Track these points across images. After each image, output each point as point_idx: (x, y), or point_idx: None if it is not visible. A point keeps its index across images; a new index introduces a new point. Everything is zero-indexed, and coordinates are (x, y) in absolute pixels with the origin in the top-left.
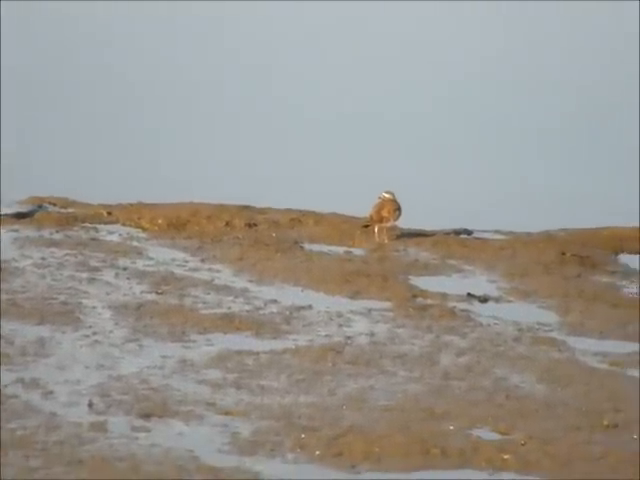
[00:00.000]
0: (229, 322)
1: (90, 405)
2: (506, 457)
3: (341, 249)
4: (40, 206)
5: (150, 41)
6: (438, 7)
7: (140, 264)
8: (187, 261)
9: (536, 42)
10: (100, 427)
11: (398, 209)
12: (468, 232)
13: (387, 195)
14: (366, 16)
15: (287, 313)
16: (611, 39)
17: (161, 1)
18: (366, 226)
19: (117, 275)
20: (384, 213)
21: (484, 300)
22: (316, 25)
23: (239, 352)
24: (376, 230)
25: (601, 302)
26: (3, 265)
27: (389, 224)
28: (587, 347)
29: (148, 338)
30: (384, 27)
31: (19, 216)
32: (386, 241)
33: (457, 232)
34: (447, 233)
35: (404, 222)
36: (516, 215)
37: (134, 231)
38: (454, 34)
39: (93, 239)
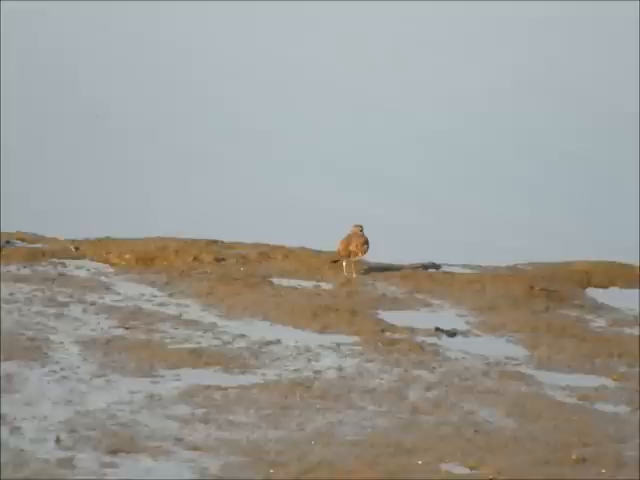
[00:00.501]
0: (197, 357)
1: (57, 441)
2: None
3: (310, 283)
4: (7, 242)
5: (120, 75)
6: (413, 27)
7: (108, 299)
8: (155, 296)
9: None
10: (68, 463)
11: (366, 243)
12: (436, 266)
13: (355, 228)
14: (332, 53)
15: (256, 348)
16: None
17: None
18: (335, 261)
19: (85, 310)
20: (352, 247)
21: (452, 334)
22: (279, 64)
23: (207, 387)
24: (344, 264)
25: (569, 336)
26: None
27: (357, 258)
28: (555, 381)
29: (116, 373)
30: (348, 62)
31: None
32: (354, 275)
33: (425, 266)
34: (415, 267)
35: (372, 256)
36: (484, 249)
37: (102, 266)
38: (421, 72)
39: (61, 274)
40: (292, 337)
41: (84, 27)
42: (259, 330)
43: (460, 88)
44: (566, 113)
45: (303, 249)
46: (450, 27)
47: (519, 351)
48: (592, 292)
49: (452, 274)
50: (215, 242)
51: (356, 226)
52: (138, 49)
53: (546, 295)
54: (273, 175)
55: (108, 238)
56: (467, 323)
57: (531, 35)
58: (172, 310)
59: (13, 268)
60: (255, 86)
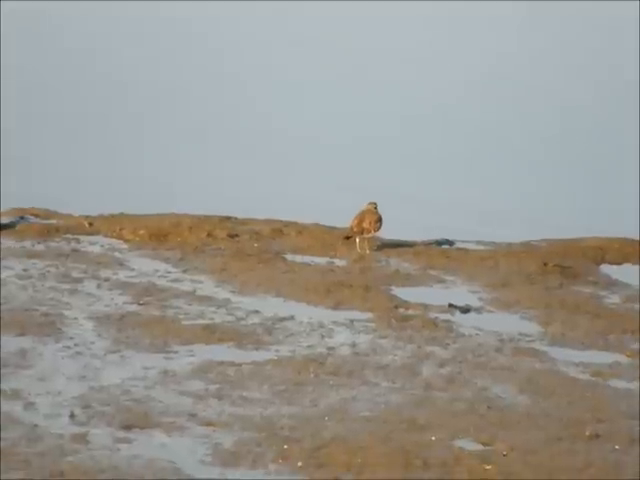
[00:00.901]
0: (211, 333)
1: (72, 416)
2: (488, 468)
3: (323, 260)
4: (22, 217)
5: (134, 54)
6: (425, 18)
7: (122, 275)
8: (169, 272)
9: (521, 65)
10: (82, 439)
11: (379, 220)
12: (450, 243)
13: (369, 206)
14: (353, 32)
15: (269, 324)
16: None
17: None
18: (347, 237)
19: (99, 286)
20: (365, 224)
21: (466, 311)
22: (298, 44)
23: (221, 363)
24: (357, 241)
25: (583, 312)
26: None
27: (370, 235)
28: (569, 357)
29: (130, 349)
30: (369, 42)
31: (0, 227)
32: (367, 252)
33: (439, 242)
34: (428, 244)
35: (386, 233)
36: (497, 226)
37: (116, 242)
38: (437, 52)
39: (75, 250)
40: (305, 313)
41: (84, 27)
42: (272, 306)
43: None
44: (569, 88)
45: (317, 225)
46: (450, 27)
47: (533, 327)
48: (606, 268)
49: (465, 250)
50: (229, 218)
51: (370, 203)
52: (138, 49)
53: (560, 271)
54: (287, 151)
55: (122, 214)
56: (480, 299)
57: (531, 35)
58: (186, 286)
59: (27, 244)
60: (271, 71)
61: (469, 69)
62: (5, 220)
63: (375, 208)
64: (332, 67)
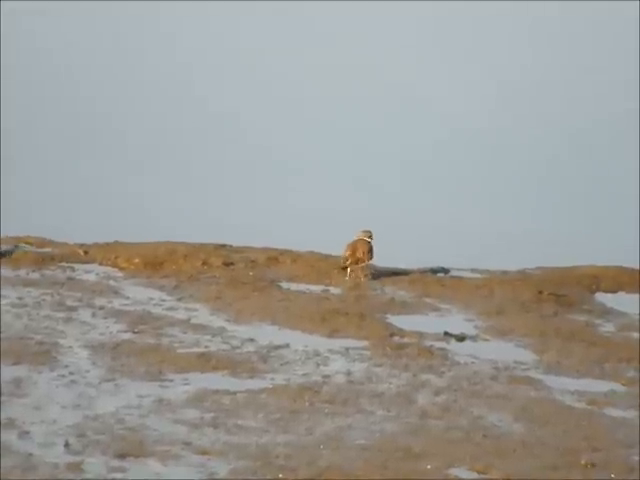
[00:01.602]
0: (206, 361)
1: (66, 445)
2: None
3: (318, 288)
4: (16, 246)
5: (127, 79)
6: (418, 42)
7: (117, 303)
8: (164, 300)
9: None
10: (76, 468)
11: (370, 250)
12: (445, 271)
13: (363, 234)
14: (343, 56)
15: (264, 352)
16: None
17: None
18: (344, 268)
19: (94, 314)
20: (359, 254)
21: (461, 339)
22: (285, 73)
23: (216, 391)
24: (348, 271)
25: (578, 341)
26: None
27: (363, 264)
28: (564, 386)
29: (125, 377)
30: (364, 67)
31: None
32: (362, 279)
33: (434, 270)
34: (424, 272)
35: (380, 260)
36: (492, 254)
37: (111, 270)
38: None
39: (70, 278)
40: (301, 341)
41: (84, 27)
42: (268, 334)
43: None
44: (564, 115)
45: (312, 253)
46: (449, 27)
47: (528, 355)
48: (601, 297)
49: (460, 279)
50: (224, 246)
51: (364, 232)
52: (138, 49)
53: (555, 300)
54: (279, 179)
55: (117, 242)
56: (476, 327)
57: (531, 35)
58: (181, 314)
59: (22, 272)
60: (264, 100)
61: (471, 80)
62: (4, 247)
63: (370, 237)
64: (325, 83)
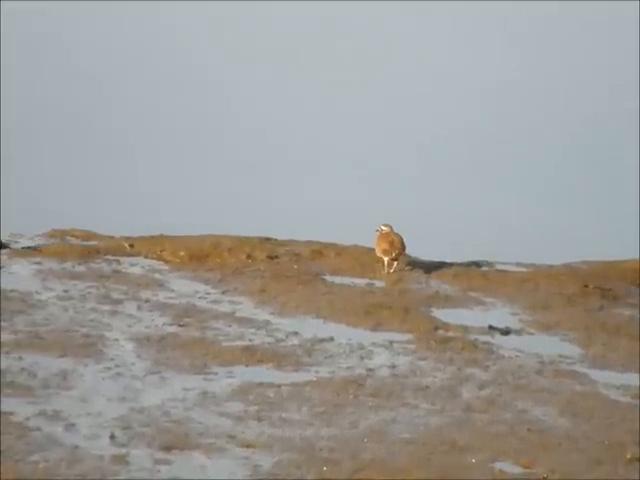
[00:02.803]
0: (251, 354)
1: (112, 438)
2: None
3: (362, 281)
4: (36, 246)
5: (120, 75)
6: (431, 31)
7: (162, 296)
8: (209, 293)
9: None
10: (122, 460)
11: (403, 242)
12: (489, 264)
13: (386, 228)
14: (366, 47)
15: (308, 345)
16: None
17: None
18: (395, 259)
19: (139, 307)
20: (398, 246)
21: (506, 332)
22: (319, 58)
23: (260, 384)
24: (386, 263)
25: (623, 335)
26: (26, 297)
27: (403, 257)
28: (609, 380)
29: (170, 370)
30: (387, 54)
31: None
32: (405, 272)
33: (478, 264)
34: (468, 265)
35: (425, 254)
36: (537, 247)
37: (156, 263)
38: (448, 67)
39: (115, 271)
40: (345, 334)
41: (84, 27)
42: (312, 327)
43: (466, 87)
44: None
45: (356, 247)
46: (449, 27)
47: (573, 350)
48: None
49: (505, 272)
50: (268, 240)
51: (386, 225)
52: (138, 49)
53: (600, 293)
54: (327, 173)
55: (162, 236)
56: (520, 321)
57: (530, 35)
58: (225, 307)
59: (68, 265)
60: (302, 89)
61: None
62: (29, 243)
63: (391, 229)
64: (353, 76)
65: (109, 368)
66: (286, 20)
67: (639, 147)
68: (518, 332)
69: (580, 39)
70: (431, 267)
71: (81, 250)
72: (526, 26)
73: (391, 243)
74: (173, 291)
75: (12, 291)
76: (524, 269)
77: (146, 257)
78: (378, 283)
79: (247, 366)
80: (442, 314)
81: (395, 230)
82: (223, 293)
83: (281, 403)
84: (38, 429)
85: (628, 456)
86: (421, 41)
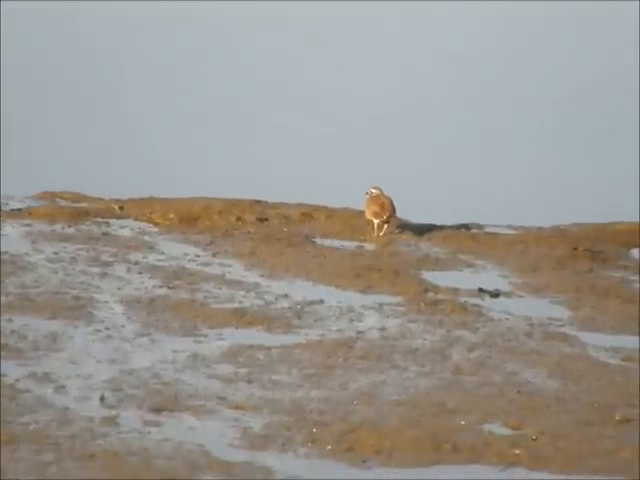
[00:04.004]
0: (240, 317)
1: (102, 399)
2: (517, 452)
3: (352, 244)
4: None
5: (160, 43)
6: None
7: (152, 259)
8: (199, 256)
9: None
10: (112, 421)
11: (393, 205)
12: (479, 227)
13: (376, 190)
14: (367, 21)
15: (298, 308)
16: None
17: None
18: (386, 221)
19: (129, 270)
20: (389, 209)
21: (495, 295)
22: (320, 27)
23: (250, 347)
24: (376, 226)
25: (613, 297)
26: (16, 259)
27: (393, 219)
28: (599, 342)
29: (160, 332)
30: (383, 29)
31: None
32: (396, 234)
33: (468, 227)
34: (458, 228)
35: (415, 217)
36: (527, 210)
37: (146, 226)
38: (447, 33)
39: (105, 234)
40: (335, 297)
41: (84, 27)
42: (302, 290)
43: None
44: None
45: (346, 209)
46: (449, 27)
47: (562, 312)
48: (637, 253)
49: (495, 235)
50: (258, 202)
51: (376, 188)
52: (139, 49)
53: (590, 256)
54: (316, 135)
55: (152, 198)
56: (510, 284)
57: (530, 35)
58: (215, 270)
59: (58, 227)
60: (297, 55)
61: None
62: (19, 205)
63: (381, 192)
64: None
65: (99, 330)
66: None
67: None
68: (508, 294)
69: (579, 39)
70: (421, 230)
71: (71, 212)
72: (525, 26)
73: (382, 205)
74: (163, 254)
75: (2, 253)
76: (514, 231)
77: (136, 219)
78: (368, 246)
79: (237, 328)
80: (432, 277)
81: (385, 193)
82: (213, 255)
83: (271, 365)
84: (28, 391)
85: (617, 417)
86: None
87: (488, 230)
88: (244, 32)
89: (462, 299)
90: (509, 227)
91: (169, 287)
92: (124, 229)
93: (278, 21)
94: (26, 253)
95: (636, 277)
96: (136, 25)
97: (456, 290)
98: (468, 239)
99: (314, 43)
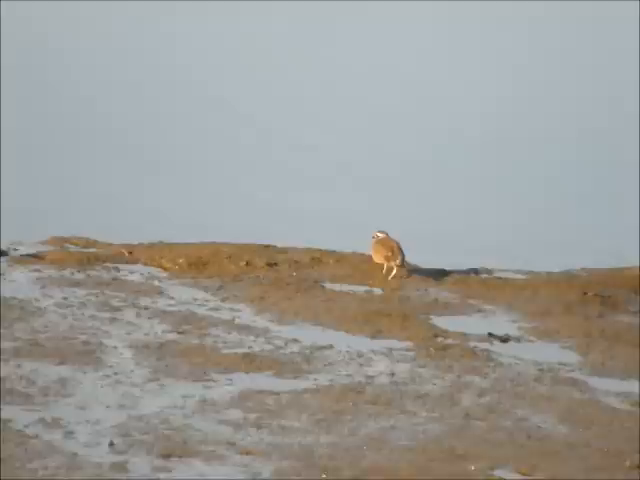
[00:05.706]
0: (250, 362)
1: (111, 445)
2: None
3: (361, 288)
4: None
5: (168, 78)
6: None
7: (161, 304)
8: (208, 300)
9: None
10: (121, 467)
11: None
12: (488, 271)
13: (382, 234)
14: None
15: (308, 352)
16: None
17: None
18: (401, 265)
19: (138, 315)
20: (399, 254)
21: (505, 340)
22: (317, 61)
23: (260, 392)
24: (385, 269)
25: (623, 342)
26: (25, 305)
27: (404, 264)
28: (608, 387)
29: (169, 378)
30: (389, 62)
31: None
32: (405, 278)
33: (477, 271)
34: (467, 272)
35: (425, 261)
36: (536, 255)
37: (155, 271)
38: (449, 74)
39: (114, 279)
40: (344, 342)
41: (84, 27)
42: (311, 335)
43: (462, 90)
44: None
45: (355, 254)
46: (449, 28)
47: (572, 357)
48: None
49: (504, 279)
50: (267, 247)
51: (382, 232)
52: (139, 49)
53: (600, 301)
54: (325, 181)
55: (161, 243)
56: (520, 329)
57: (530, 35)
58: (225, 315)
59: (67, 272)
60: (302, 98)
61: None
62: (29, 250)
63: (387, 235)
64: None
65: (108, 375)
66: (287, 23)
67: (639, 154)
68: (517, 339)
69: (579, 39)
70: (430, 274)
71: (80, 257)
72: (524, 26)
73: (392, 249)
74: (172, 298)
75: (11, 298)
76: (523, 276)
77: (145, 264)
78: (377, 290)
79: (246, 373)
80: (441, 321)
81: (391, 236)
82: (222, 300)
83: (280, 410)
84: (37, 436)
85: (627, 464)
86: (419, 48)
87: (497, 275)
88: (249, 103)
89: (471, 344)
90: (518, 272)
91: (178, 332)
92: (134, 274)
93: (283, 77)
94: (35, 298)
95: None
96: (140, 86)
97: (465, 335)
98: (477, 284)
99: (324, 85)
